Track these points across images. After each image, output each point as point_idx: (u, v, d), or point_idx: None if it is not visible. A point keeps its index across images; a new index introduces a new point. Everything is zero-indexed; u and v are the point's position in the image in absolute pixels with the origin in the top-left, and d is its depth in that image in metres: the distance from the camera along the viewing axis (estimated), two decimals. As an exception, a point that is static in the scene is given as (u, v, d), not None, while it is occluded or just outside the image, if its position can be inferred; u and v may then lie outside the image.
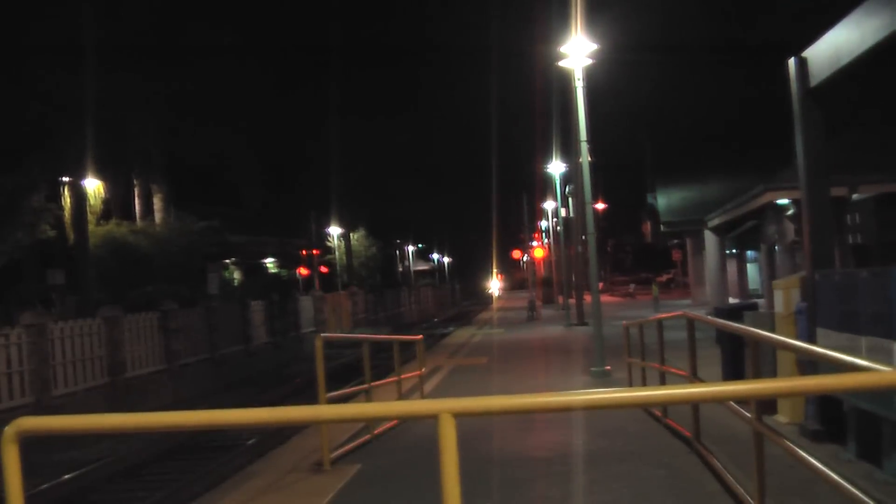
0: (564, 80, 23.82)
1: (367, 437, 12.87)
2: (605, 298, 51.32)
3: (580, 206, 34.40)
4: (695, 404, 10.27)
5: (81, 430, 4.21)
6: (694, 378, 10.81)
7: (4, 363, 22.47)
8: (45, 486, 16.71)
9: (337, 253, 78.86)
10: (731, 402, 8.10)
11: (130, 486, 17.49)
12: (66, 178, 37.35)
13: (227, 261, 55.88)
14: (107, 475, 18.17)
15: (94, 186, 40.24)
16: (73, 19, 35.88)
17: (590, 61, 22.32)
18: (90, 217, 38.47)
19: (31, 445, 3.98)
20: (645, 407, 12.99)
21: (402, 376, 16.52)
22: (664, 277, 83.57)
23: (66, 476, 17.64)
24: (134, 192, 46.03)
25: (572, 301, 45.83)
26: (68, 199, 37.63)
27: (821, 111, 11.66)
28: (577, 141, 22.61)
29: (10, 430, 3.86)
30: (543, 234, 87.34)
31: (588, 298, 29.41)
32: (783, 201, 26.38)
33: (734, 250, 43.19)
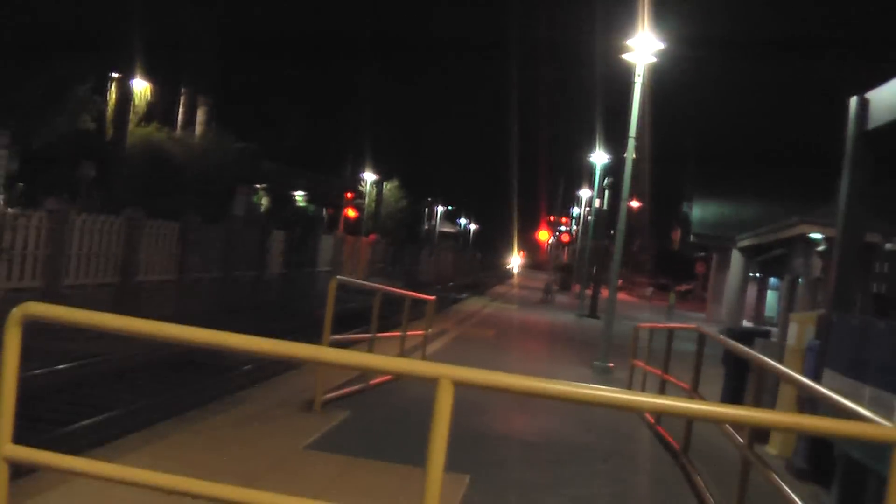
0: (625, 73, 23.66)
1: (361, 385, 12.91)
2: (621, 296, 51.32)
3: (616, 200, 34.30)
4: (690, 419, 10.27)
5: (86, 324, 4.25)
6: (694, 393, 10.81)
7: (21, 243, 22.62)
8: (38, 370, 16.82)
9: (367, 199, 78.81)
10: (726, 425, 8.09)
11: (120, 387, 17.60)
12: (115, 74, 37.41)
13: (258, 186, 55.88)
14: (99, 372, 18.30)
15: (141, 87, 40.32)
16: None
17: (654, 59, 22.21)
18: (132, 117, 38.58)
19: (32, 330, 4.02)
20: (642, 412, 12.99)
21: (408, 333, 16.54)
22: (683, 287, 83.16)
23: (60, 366, 17.76)
24: (180, 101, 46.12)
25: (588, 292, 45.80)
26: (114, 95, 37.71)
27: (872, 155, 11.58)
28: (626, 135, 22.52)
29: (17, 311, 3.91)
30: (572, 221, 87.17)
31: (605, 293, 29.37)
32: (816, 236, 26.27)
33: (758, 274, 43.07)
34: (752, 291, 43.96)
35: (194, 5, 40.11)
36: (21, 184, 28.68)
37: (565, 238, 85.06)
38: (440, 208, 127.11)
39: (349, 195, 76.37)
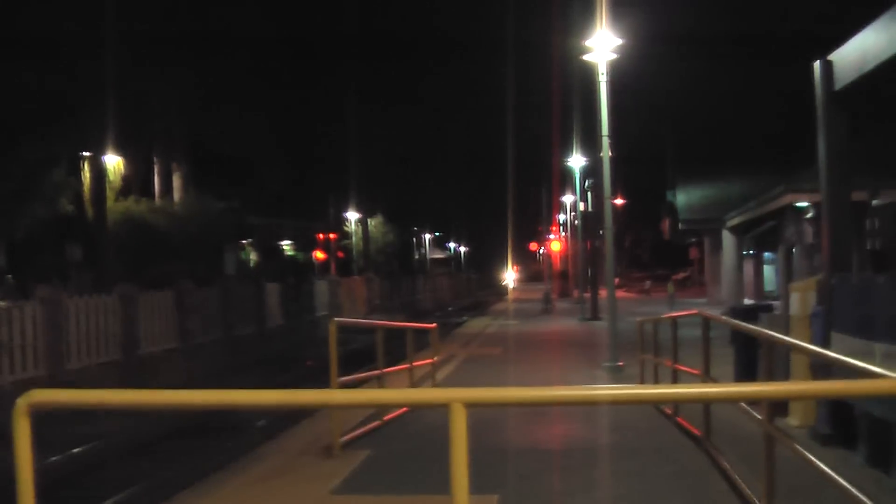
0: (587, 72, 23.75)
1: (378, 423, 12.88)
2: (620, 294, 51.30)
3: (599, 200, 34.35)
4: (706, 404, 10.26)
5: (93, 404, 4.25)
6: (706, 377, 10.79)
7: (19, 335, 22.58)
8: (55, 458, 16.77)
9: (354, 238, 78.89)
10: (743, 403, 8.09)
11: (139, 463, 17.54)
12: (86, 153, 37.43)
13: (245, 241, 55.95)
14: (116, 451, 18.23)
15: (114, 162, 40.31)
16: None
17: (614, 56, 22.27)
18: (109, 193, 38.55)
19: (42, 419, 3.99)
20: (657, 404, 12.97)
21: (415, 364, 16.53)
22: (680, 275, 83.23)
23: (76, 450, 17.70)
24: (154, 169, 46.18)
25: (587, 295, 45.79)
26: (88, 175, 37.71)
27: (844, 115, 11.62)
28: (599, 135, 22.57)
29: (22, 402, 3.87)
30: (561, 227, 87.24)
31: (603, 293, 29.41)
32: (803, 203, 26.31)
33: (752, 251, 43.08)
34: (748, 268, 43.96)
35: (156, 66, 40.13)
36: (10, 276, 28.68)
37: (555, 246, 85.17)
38: (428, 235, 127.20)
39: (334, 237, 76.44)
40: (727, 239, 44.01)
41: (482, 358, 24.90)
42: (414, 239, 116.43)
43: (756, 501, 7.68)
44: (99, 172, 37.11)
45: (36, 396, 3.92)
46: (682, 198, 50.55)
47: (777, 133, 45.54)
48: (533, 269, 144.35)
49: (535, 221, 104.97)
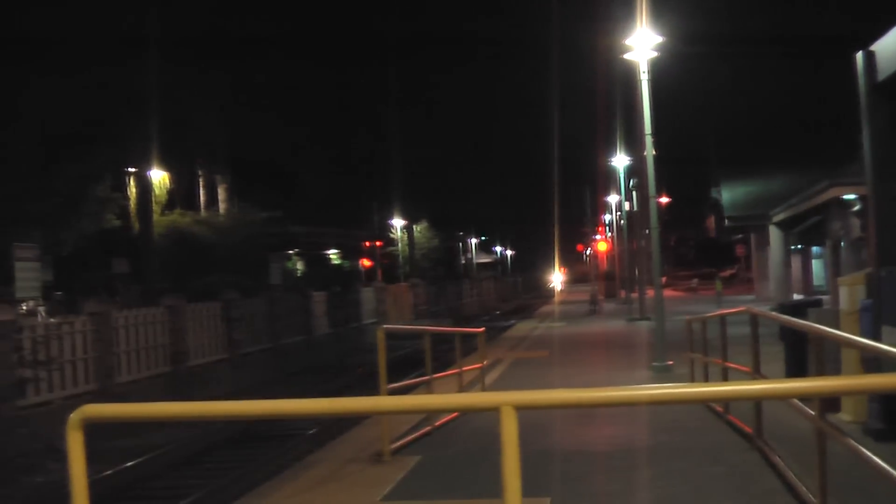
0: (630, 71, 23.71)
1: (428, 428, 12.86)
2: (667, 293, 51.09)
3: (644, 200, 34.24)
4: (757, 401, 10.20)
5: (144, 417, 4.27)
6: (757, 374, 10.72)
7: (69, 350, 22.76)
8: (108, 471, 16.88)
9: (399, 244, 79.14)
10: (794, 400, 8.03)
11: (191, 473, 17.65)
12: (131, 169, 37.76)
13: (290, 251, 56.18)
14: (168, 463, 18.36)
15: (159, 177, 40.66)
16: (141, 11, 36.26)
17: (655, 54, 22.20)
18: (155, 207, 38.90)
19: (93, 433, 4.02)
20: (707, 403, 12.90)
21: (464, 368, 16.52)
22: (727, 272, 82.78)
23: (129, 463, 17.80)
24: (198, 182, 46.52)
25: (634, 295, 45.61)
26: (133, 189, 38.10)
27: (888, 105, 11.51)
28: (643, 134, 22.50)
29: (75, 416, 3.92)
30: (606, 228, 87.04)
31: (650, 293, 29.28)
32: (849, 196, 26.11)
33: (799, 246, 42.80)
34: (796, 264, 43.68)
35: (199, 80, 40.44)
36: (59, 292, 28.90)
37: (601, 247, 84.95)
38: (474, 240, 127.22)
39: (380, 244, 76.62)
40: (773, 235, 43.76)
41: (529, 361, 24.86)
42: (459, 244, 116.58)
43: (810, 498, 7.62)
44: (144, 187, 37.44)
45: (88, 411, 3.96)
46: (727, 195, 50.27)
47: (820, 127, 45.24)
48: (579, 271, 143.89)
49: (581, 222, 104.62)
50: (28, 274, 23.66)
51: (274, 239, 45.94)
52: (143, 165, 37.37)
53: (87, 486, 3.96)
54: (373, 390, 11.55)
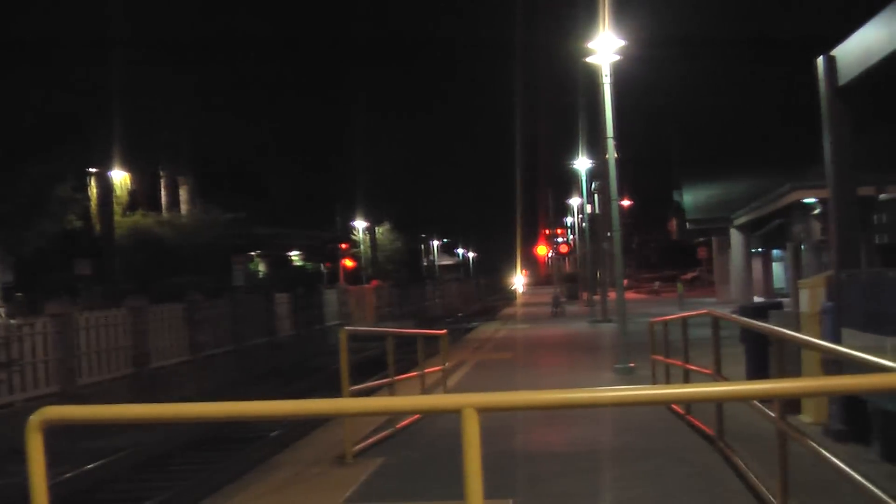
0: (592, 75, 23.80)
1: (391, 430, 12.86)
2: (630, 295, 51.23)
3: (606, 202, 34.35)
4: (719, 403, 10.25)
5: (105, 419, 4.23)
6: (718, 376, 10.79)
7: (31, 352, 22.61)
8: (69, 474, 16.78)
9: (362, 246, 79.03)
10: (755, 402, 8.08)
11: (154, 476, 17.56)
12: (93, 169, 37.52)
13: (253, 253, 55.99)
14: (131, 465, 18.26)
15: (120, 177, 40.44)
16: (103, 11, 36.04)
17: (617, 57, 22.31)
18: (116, 208, 38.71)
19: (55, 435, 4.00)
20: (669, 404, 12.96)
21: (426, 371, 16.51)
22: (689, 275, 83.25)
23: (90, 465, 17.70)
24: (160, 183, 46.27)
25: (597, 298, 45.73)
26: (95, 190, 37.84)
27: (849, 110, 11.60)
28: (604, 137, 22.60)
29: (35, 418, 3.89)
30: (569, 231, 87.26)
31: (613, 295, 29.40)
32: (810, 200, 26.32)
33: (760, 249, 43.10)
34: (757, 266, 43.99)
35: (160, 79, 40.23)
36: (20, 293, 28.70)
37: (563, 249, 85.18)
38: (436, 242, 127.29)
39: (344, 246, 76.50)
40: (735, 238, 43.99)
41: (493, 363, 24.89)
42: (422, 246, 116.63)
43: (771, 499, 7.67)
44: (106, 188, 37.23)
45: (48, 413, 3.93)
46: (689, 198, 50.49)
47: (782, 130, 45.43)
48: (542, 273, 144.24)
49: (543, 225, 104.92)
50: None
51: (238, 240, 45.75)
52: (105, 165, 37.17)
53: (48, 489, 3.94)
54: (337, 392, 11.53)
